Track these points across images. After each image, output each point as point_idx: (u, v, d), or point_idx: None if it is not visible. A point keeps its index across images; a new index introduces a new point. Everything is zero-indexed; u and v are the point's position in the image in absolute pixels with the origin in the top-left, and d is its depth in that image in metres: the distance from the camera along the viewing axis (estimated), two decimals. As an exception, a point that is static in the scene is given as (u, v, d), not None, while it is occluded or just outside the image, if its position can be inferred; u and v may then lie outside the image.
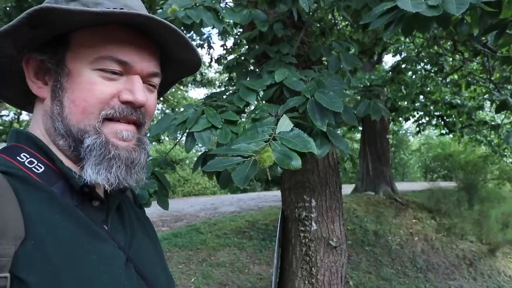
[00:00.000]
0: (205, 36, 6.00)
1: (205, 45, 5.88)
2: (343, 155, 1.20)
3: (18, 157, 0.55)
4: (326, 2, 1.59)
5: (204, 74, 7.69)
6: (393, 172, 12.77)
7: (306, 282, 2.19)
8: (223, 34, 5.88)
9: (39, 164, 0.56)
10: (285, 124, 1.22)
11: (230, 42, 6.14)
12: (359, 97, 1.91)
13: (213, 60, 6.15)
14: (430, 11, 0.96)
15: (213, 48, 5.96)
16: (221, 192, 12.79)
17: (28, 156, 0.56)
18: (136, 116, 0.59)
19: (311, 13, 1.99)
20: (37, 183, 0.53)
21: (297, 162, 1.09)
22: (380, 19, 1.11)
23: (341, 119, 1.37)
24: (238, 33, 5.46)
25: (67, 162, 0.59)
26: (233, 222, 6.90)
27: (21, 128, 0.64)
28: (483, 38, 2.48)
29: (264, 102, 1.57)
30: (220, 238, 6.37)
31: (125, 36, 0.58)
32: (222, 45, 5.95)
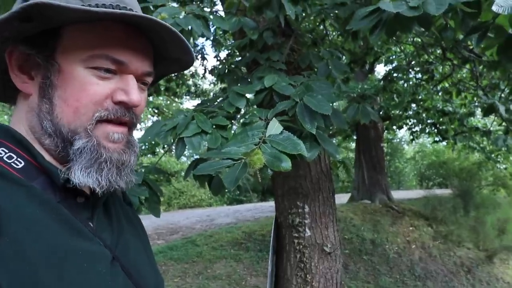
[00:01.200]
0: (198, 47, 6.07)
1: (199, 56, 5.94)
2: (333, 158, 1.20)
3: None
4: (313, 9, 1.63)
5: (198, 85, 7.75)
6: (389, 181, 12.81)
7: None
8: (217, 45, 5.95)
9: (18, 159, 0.53)
10: (275, 127, 1.23)
11: (223, 54, 6.22)
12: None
13: (207, 71, 6.20)
14: (411, 11, 0.98)
15: (207, 59, 6.02)
16: (217, 204, 12.70)
17: (7, 151, 0.53)
18: (129, 117, 0.58)
19: (299, 20, 2.03)
20: (15, 178, 0.51)
21: (287, 164, 1.09)
22: (363, 21, 1.14)
23: (330, 122, 1.39)
24: (231, 45, 5.53)
25: (51, 161, 0.56)
26: (229, 233, 6.83)
27: (1, 123, 0.60)
28: (469, 44, 2.53)
29: (254, 107, 1.59)
30: (217, 250, 6.30)
31: (121, 34, 0.56)
32: (215, 56, 6.03)
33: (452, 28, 1.61)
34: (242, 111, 1.54)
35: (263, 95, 1.53)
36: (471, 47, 2.59)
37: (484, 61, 2.52)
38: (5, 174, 0.50)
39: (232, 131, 1.43)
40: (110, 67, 0.55)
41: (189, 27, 1.44)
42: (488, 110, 2.35)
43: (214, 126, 1.42)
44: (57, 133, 0.55)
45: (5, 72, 0.58)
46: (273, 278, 2.39)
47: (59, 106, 0.54)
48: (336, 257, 2.25)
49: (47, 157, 0.56)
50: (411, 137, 8.09)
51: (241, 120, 1.38)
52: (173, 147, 1.54)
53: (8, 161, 0.52)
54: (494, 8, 0.97)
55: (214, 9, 1.73)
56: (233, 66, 2.03)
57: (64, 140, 0.55)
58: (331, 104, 1.28)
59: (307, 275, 2.14)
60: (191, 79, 7.42)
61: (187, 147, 1.39)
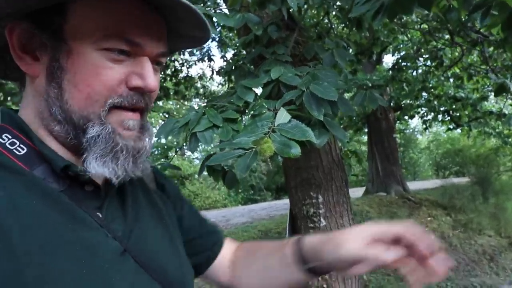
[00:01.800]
0: (204, 49, 6.14)
1: (206, 58, 6.01)
2: (342, 144, 1.23)
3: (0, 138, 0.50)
4: (315, 1, 1.65)
5: (206, 87, 7.82)
6: (404, 172, 12.63)
7: (320, 278, 2.19)
8: (223, 46, 6.01)
9: (21, 145, 0.50)
10: (283, 116, 1.26)
11: (229, 54, 6.27)
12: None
13: (214, 72, 6.26)
14: (410, -8, 1.00)
15: (214, 60, 6.08)
16: (232, 204, 12.77)
17: (10, 137, 0.50)
18: (144, 103, 0.53)
19: (302, 13, 2.05)
20: (13, 165, 0.48)
21: (296, 150, 1.12)
22: (364, 5, 1.16)
23: (337, 109, 1.41)
24: (237, 45, 5.58)
25: (60, 150, 0.52)
26: (245, 232, 6.87)
27: (9, 107, 0.56)
28: (476, 25, 2.50)
29: (263, 99, 1.62)
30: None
31: (137, 12, 0.50)
32: (222, 57, 6.08)
33: (456, 8, 1.61)
34: (251, 105, 1.58)
35: (271, 87, 1.56)
36: (478, 28, 2.56)
37: (492, 41, 2.49)
38: (2, 162, 0.48)
39: (243, 124, 1.47)
40: (125, 49, 0.50)
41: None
42: (499, 90, 2.32)
43: (224, 120, 1.46)
44: (68, 119, 0.50)
45: (5, 50, 0.53)
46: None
47: (68, 92, 0.50)
48: (352, 245, 2.25)
49: (54, 144, 0.52)
50: (424, 126, 7.97)
51: (251, 112, 1.42)
52: (185, 148, 1.58)
53: (10, 147, 0.50)
54: (493, -17, 0.97)
55: (218, 8, 1.78)
56: (240, 62, 2.07)
57: (76, 128, 0.51)
58: (337, 91, 1.30)
59: (325, 265, 2.14)
60: (199, 82, 7.51)
61: (200, 142, 1.43)
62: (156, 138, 1.48)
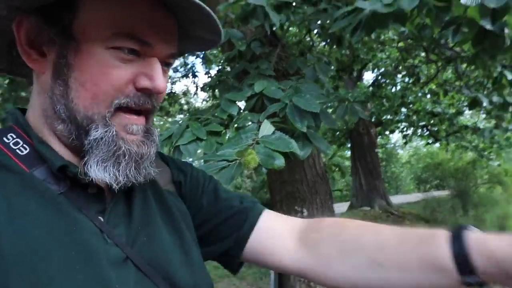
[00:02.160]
0: (189, 66, 6.18)
1: (190, 74, 6.04)
2: (325, 154, 1.24)
3: (5, 138, 0.50)
4: (296, 17, 1.71)
5: (190, 103, 7.83)
6: (387, 186, 12.84)
7: (306, 293, 2.16)
8: (207, 63, 6.07)
9: (24, 145, 0.49)
10: (267, 128, 1.28)
11: (214, 71, 6.33)
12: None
13: (199, 88, 6.29)
14: (386, 8, 1.05)
15: (198, 76, 6.12)
16: (217, 222, 12.53)
17: (15, 137, 0.50)
18: (151, 105, 0.51)
19: (284, 29, 2.11)
20: (13, 165, 0.47)
21: (280, 161, 1.13)
22: (343, 20, 1.21)
23: (320, 121, 1.44)
24: (221, 61, 5.65)
25: (62, 150, 0.51)
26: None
27: (18, 106, 0.56)
28: (449, 42, 2.64)
29: (246, 112, 1.64)
30: (218, 269, 6.20)
31: (148, 10, 0.48)
32: (206, 73, 6.15)
33: (429, 25, 1.69)
34: (235, 118, 1.59)
35: (254, 100, 1.58)
36: (451, 45, 2.70)
37: (465, 57, 2.63)
38: (2, 162, 0.47)
39: (227, 137, 1.47)
40: (135, 48, 0.48)
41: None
42: (472, 104, 2.43)
43: (208, 133, 1.46)
44: (72, 118, 0.49)
45: (11, 45, 0.51)
46: (277, 287, 2.37)
47: (75, 90, 0.48)
48: (338, 259, 2.25)
49: (57, 144, 0.51)
50: (404, 140, 8.20)
51: (235, 125, 1.42)
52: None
53: (14, 147, 0.49)
54: (462, 1, 1.03)
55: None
56: (223, 77, 2.10)
57: (79, 128, 0.49)
58: (319, 103, 1.33)
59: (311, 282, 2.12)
60: (183, 98, 7.51)
61: (183, 154, 1.42)
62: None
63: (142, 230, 0.53)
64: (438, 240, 0.48)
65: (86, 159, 0.49)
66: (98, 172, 0.48)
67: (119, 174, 0.49)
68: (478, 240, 0.45)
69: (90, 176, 0.48)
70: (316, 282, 0.58)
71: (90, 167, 0.48)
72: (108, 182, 0.49)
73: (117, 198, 0.54)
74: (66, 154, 0.51)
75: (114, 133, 0.49)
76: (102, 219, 0.50)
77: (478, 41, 1.39)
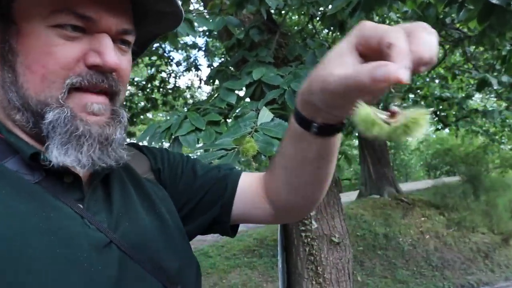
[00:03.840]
0: (191, 59, 6.15)
1: (193, 68, 6.02)
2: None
3: None
4: (293, 1, 1.66)
5: (195, 97, 7.83)
6: (396, 174, 12.72)
7: (314, 282, 2.15)
8: (209, 55, 6.03)
9: None
10: (266, 115, 1.25)
11: (216, 63, 6.30)
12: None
13: (202, 81, 6.27)
14: (383, -16, 1.01)
15: (200, 69, 6.10)
16: (226, 214, 12.62)
17: None
18: (108, 84, 0.49)
19: (282, 15, 2.06)
20: None
21: (279, 148, 1.11)
22: (339, 0, 1.17)
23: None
24: (224, 53, 5.60)
25: (28, 140, 0.50)
26: (241, 241, 6.80)
27: None
28: (454, 23, 2.55)
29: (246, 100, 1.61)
30: (230, 259, 6.27)
31: None
32: (209, 65, 6.12)
33: (433, 3, 1.63)
34: (234, 107, 1.56)
35: (253, 88, 1.55)
36: (457, 25, 2.61)
37: (472, 37, 2.54)
38: None
39: (225, 125, 1.45)
40: (77, 24, 0.46)
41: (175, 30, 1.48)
42: (481, 84, 2.35)
43: (207, 123, 1.44)
44: (26, 106, 0.47)
45: None
46: (285, 275, 2.37)
47: (23, 74, 0.46)
48: (345, 247, 2.23)
49: (21, 134, 0.50)
50: (413, 127, 8.05)
51: (234, 114, 1.40)
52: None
53: None
54: (465, -27, 0.98)
55: (198, 11, 1.77)
56: (223, 67, 2.07)
57: (34, 114, 0.47)
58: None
59: (318, 267, 2.12)
60: (187, 92, 7.50)
61: (183, 146, 1.41)
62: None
63: (124, 216, 0.53)
64: (290, 123, 0.54)
65: (46, 144, 0.47)
66: (59, 156, 0.46)
67: (81, 157, 0.47)
68: (300, 96, 0.49)
69: (52, 163, 0.47)
70: (280, 203, 0.64)
71: (52, 152, 0.46)
72: (70, 165, 0.47)
73: (95, 186, 0.53)
74: (32, 143, 0.50)
75: (70, 113, 0.47)
76: (81, 206, 0.50)
77: (484, 17, 1.32)
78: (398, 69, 0.33)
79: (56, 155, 0.46)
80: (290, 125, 0.54)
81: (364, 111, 0.36)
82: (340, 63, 0.39)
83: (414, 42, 0.35)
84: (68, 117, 0.46)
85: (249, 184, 0.67)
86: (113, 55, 0.48)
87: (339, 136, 0.53)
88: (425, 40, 0.35)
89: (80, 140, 0.47)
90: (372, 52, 0.37)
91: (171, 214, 0.61)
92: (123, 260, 0.49)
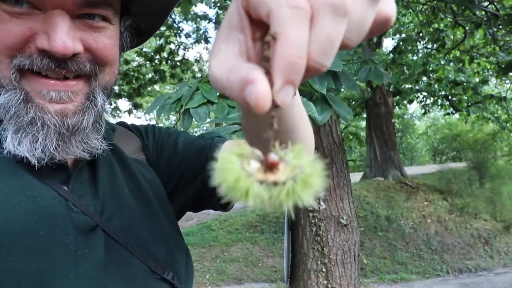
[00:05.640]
0: (201, 31, 5.98)
1: (202, 40, 5.86)
2: (345, 121, 1.15)
3: None
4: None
5: (203, 70, 7.69)
6: (402, 157, 12.66)
7: (319, 262, 2.15)
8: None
9: None
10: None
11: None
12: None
13: (211, 54, 6.11)
14: None
15: (210, 42, 5.94)
16: (230, 190, 12.77)
17: None
18: (72, 68, 0.43)
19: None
20: None
21: (297, 125, 1.05)
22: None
23: (341, 84, 1.32)
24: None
25: None
26: (243, 217, 6.90)
27: None
28: (482, 1, 2.40)
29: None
30: (232, 234, 6.38)
31: None
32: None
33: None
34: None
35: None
36: (486, 4, 2.45)
37: (501, 18, 2.38)
38: None
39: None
40: None
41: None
42: (507, 68, 2.21)
43: (220, 96, 1.37)
44: None
45: None
46: (290, 254, 2.37)
47: None
48: (353, 229, 2.22)
49: None
50: (423, 110, 7.92)
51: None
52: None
53: None
54: None
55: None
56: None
57: None
58: (341, 62, 1.21)
59: (324, 248, 2.12)
60: (196, 65, 7.36)
61: (193, 119, 1.35)
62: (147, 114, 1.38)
63: (110, 199, 0.51)
64: None
65: (3, 130, 0.43)
66: (13, 146, 0.42)
67: (36, 149, 0.42)
68: None
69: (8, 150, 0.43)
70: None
71: (5, 140, 0.42)
72: (24, 156, 0.43)
73: (81, 168, 0.50)
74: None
75: (22, 97, 0.42)
76: (66, 189, 0.47)
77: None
78: (276, 91, 0.21)
79: (10, 144, 0.42)
80: None
81: (228, 164, 0.22)
82: (218, 50, 0.24)
83: (311, 34, 0.21)
84: (19, 99, 0.42)
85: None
86: (63, 38, 0.41)
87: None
88: (324, 32, 0.21)
89: (33, 129, 0.42)
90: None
91: (159, 197, 0.58)
92: (110, 244, 0.47)
